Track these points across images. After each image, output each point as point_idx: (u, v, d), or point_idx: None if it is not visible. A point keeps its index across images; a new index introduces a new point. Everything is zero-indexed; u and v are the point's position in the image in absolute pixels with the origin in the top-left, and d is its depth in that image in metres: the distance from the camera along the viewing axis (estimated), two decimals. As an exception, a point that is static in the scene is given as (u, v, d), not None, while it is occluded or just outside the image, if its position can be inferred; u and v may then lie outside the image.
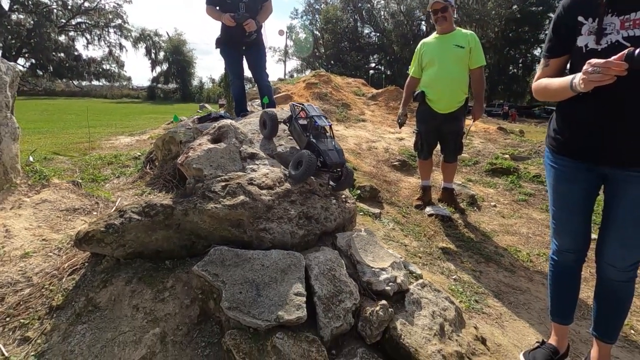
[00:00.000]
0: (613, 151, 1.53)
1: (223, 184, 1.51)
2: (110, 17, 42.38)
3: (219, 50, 3.71)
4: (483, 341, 1.82)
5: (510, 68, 34.77)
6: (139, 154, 4.91)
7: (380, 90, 8.30)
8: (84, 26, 41.92)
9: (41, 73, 38.92)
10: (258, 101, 5.03)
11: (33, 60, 38.27)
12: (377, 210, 3.58)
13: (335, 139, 1.90)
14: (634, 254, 1.63)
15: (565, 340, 1.92)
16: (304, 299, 1.34)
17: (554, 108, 1.80)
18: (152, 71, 47.66)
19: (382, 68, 36.85)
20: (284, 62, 45.37)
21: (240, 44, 3.54)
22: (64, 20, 40.14)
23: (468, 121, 4.03)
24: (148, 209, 1.42)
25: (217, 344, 1.24)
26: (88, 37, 42.12)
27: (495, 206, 4.27)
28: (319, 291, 1.41)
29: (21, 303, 1.31)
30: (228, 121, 1.84)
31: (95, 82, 45.76)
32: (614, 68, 1.24)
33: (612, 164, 1.57)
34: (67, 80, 42.66)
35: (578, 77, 1.39)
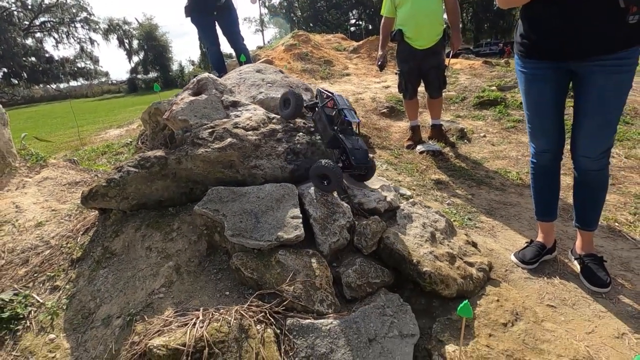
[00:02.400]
0: (576, 44, 1.60)
1: (210, 130, 1.59)
2: (75, 11, 40.59)
3: (189, 19, 3.66)
4: (474, 245, 1.97)
5: (495, 4, 33.54)
6: (130, 140, 4.95)
7: (361, 42, 8.16)
8: (49, 25, 40.29)
9: (16, 81, 37.87)
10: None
11: (5, 69, 37.13)
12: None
13: (360, 137, 1.80)
14: (603, 141, 1.75)
15: (552, 236, 2.07)
16: (300, 220, 1.46)
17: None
18: (129, 62, 46.34)
19: (363, 23, 35.68)
20: (262, 31, 43.91)
21: (211, 9, 3.49)
22: (27, 22, 38.48)
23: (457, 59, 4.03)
24: (143, 162, 1.52)
25: (227, 270, 1.38)
26: (56, 36, 40.61)
27: (484, 136, 4.36)
28: (314, 214, 1.53)
29: (44, 262, 1.44)
30: (205, 74, 1.89)
31: (73, 83, 44.60)
32: None
33: (576, 57, 1.64)
34: (44, 85, 41.57)
35: None
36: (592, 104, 1.69)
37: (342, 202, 1.64)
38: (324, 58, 7.38)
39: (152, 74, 44.27)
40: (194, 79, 1.86)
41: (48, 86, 42.20)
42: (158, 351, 1.02)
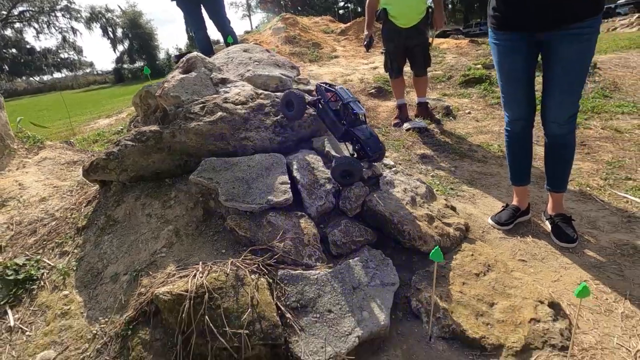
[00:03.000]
0: (544, 15, 1.72)
1: (201, 105, 1.70)
2: (54, -1, 39.32)
3: (174, 3, 3.69)
4: (453, 209, 2.12)
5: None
6: (121, 127, 5.00)
7: (349, 24, 8.17)
8: (28, 14, 39.05)
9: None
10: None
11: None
12: (357, 134, 3.77)
13: (367, 124, 1.82)
14: (569, 107, 1.88)
15: (526, 199, 2.23)
16: (289, 186, 1.59)
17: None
18: (114, 51, 45.29)
19: (352, 5, 35.21)
20: (249, 16, 43.14)
21: None
22: (4, 12, 37.26)
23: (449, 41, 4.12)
24: (139, 136, 1.63)
25: (222, 232, 1.51)
26: (36, 26, 39.43)
27: (469, 113, 4.49)
28: (302, 180, 1.66)
29: (52, 231, 1.55)
30: (194, 53, 1.98)
31: (57, 75, 43.58)
32: None
33: (544, 27, 1.76)
34: (26, 78, 40.57)
35: None
36: (558, 72, 1.83)
37: (327, 170, 1.77)
38: (312, 41, 7.40)
39: (139, 63, 43.41)
40: (184, 58, 1.95)
41: (31, 78, 41.23)
42: (163, 297, 1.15)
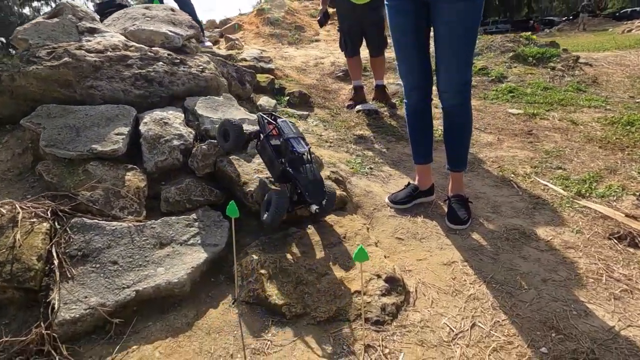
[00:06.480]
0: None
1: (49, 50, 1.64)
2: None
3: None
4: (337, 181, 2.00)
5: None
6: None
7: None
8: (46, -7, 39.77)
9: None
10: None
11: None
12: (305, 113, 3.68)
13: (314, 163, 1.63)
14: (457, 74, 1.77)
15: (427, 179, 2.11)
16: (124, 137, 1.52)
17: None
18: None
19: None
20: None
21: None
22: (23, -10, 38.03)
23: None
24: (-23, 77, 1.57)
25: (42, 179, 1.44)
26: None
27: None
28: (145, 133, 1.58)
29: None
30: (65, 0, 1.91)
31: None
32: None
33: None
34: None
35: None
36: (443, 34, 1.71)
37: (183, 128, 1.68)
38: (295, 24, 7.28)
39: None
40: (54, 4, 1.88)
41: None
42: None
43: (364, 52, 3.95)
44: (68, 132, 1.47)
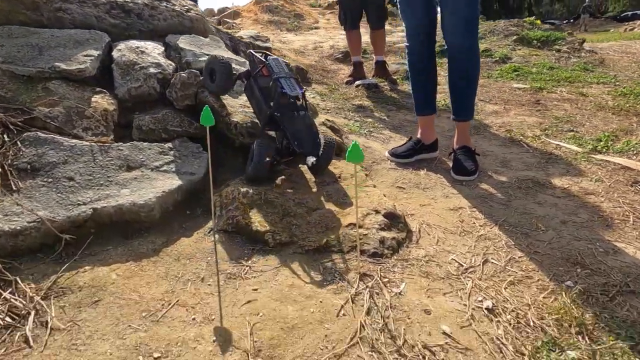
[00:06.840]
0: None
1: (15, -31, 1.49)
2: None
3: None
4: (332, 128, 1.84)
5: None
6: None
7: (337, -1, 7.90)
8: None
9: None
10: None
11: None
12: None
13: (309, 111, 1.44)
14: (464, 10, 1.63)
15: (431, 132, 1.95)
16: (92, 58, 1.36)
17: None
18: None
19: None
20: None
21: None
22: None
23: None
24: None
25: (3, 102, 1.28)
26: None
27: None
28: (119, 59, 1.43)
29: None
30: None
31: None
32: None
33: None
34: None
35: None
36: None
37: (162, 59, 1.53)
38: (294, 12, 7.18)
39: None
40: None
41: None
42: None
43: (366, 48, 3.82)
44: (29, 50, 1.32)
